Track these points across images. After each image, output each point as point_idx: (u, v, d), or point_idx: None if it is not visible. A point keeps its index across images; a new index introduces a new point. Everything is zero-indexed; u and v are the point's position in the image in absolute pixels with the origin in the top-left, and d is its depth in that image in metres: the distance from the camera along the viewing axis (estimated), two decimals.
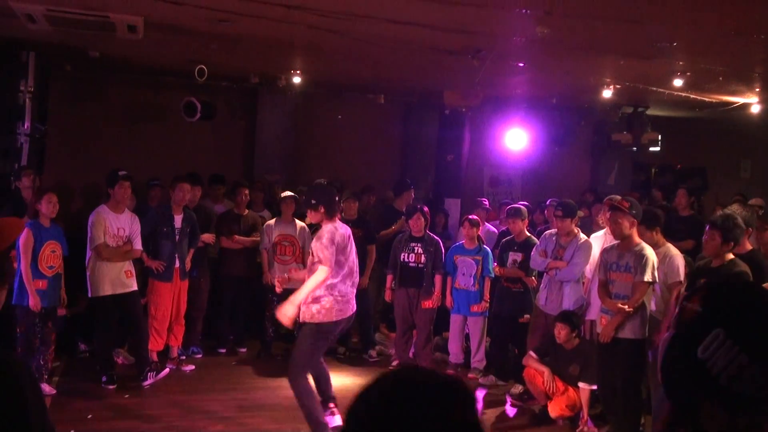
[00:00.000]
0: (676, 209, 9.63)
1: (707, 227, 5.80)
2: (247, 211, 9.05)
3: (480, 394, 7.80)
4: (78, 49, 8.57)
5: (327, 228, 5.97)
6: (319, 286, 5.88)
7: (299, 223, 8.74)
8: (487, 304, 8.36)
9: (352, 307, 6.18)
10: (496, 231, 9.73)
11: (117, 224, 7.38)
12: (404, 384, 1.37)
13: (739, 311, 1.52)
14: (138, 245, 7.52)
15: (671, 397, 1.61)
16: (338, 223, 6.10)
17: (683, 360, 1.54)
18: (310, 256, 6.14)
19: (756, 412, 1.48)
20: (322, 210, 6.01)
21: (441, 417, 1.31)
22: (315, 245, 5.99)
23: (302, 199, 6.57)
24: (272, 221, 8.80)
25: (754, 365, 1.45)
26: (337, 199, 6.27)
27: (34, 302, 6.73)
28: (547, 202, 9.10)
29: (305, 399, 5.96)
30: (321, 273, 5.85)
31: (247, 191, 9.06)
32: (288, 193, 8.87)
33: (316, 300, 5.93)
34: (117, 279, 7.34)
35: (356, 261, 6.27)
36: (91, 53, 8.70)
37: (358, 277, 6.36)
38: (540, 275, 7.84)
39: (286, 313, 5.90)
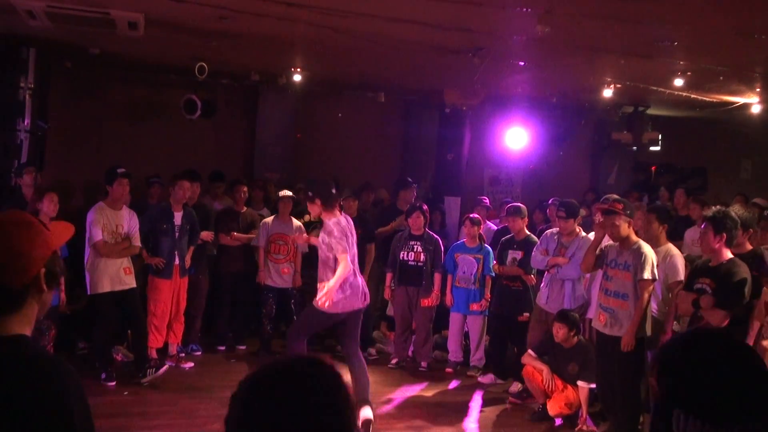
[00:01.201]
0: (675, 209, 9.63)
1: (702, 223, 5.79)
2: (245, 208, 9.06)
3: (478, 392, 7.82)
4: (78, 46, 8.57)
5: (332, 221, 6.12)
6: (346, 275, 6.08)
7: (296, 222, 8.75)
8: (488, 303, 8.36)
9: (361, 300, 6.35)
10: (494, 228, 9.74)
11: (115, 221, 7.37)
12: (272, 373, 1.54)
13: (689, 387, 1.54)
14: (137, 242, 7.52)
15: None
16: (340, 216, 6.23)
17: None
18: (322, 250, 6.24)
19: None
20: (319, 202, 6.14)
21: (302, 398, 1.46)
22: (327, 239, 6.12)
23: (302, 196, 6.65)
24: (269, 219, 8.81)
25: (721, 428, 1.48)
26: (334, 191, 6.35)
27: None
28: (549, 201, 9.09)
29: None
30: (344, 264, 6.05)
31: (245, 189, 9.07)
32: (286, 192, 8.87)
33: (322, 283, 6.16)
34: (116, 276, 7.34)
35: (356, 253, 6.46)
36: (91, 50, 8.71)
37: (358, 268, 6.53)
38: (540, 273, 7.85)
39: (316, 301, 6.20)
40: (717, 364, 1.56)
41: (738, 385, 1.52)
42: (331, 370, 1.53)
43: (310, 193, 6.21)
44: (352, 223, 6.45)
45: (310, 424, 1.43)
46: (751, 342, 5.29)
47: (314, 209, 6.25)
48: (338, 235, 6.08)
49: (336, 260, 6.13)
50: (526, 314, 7.90)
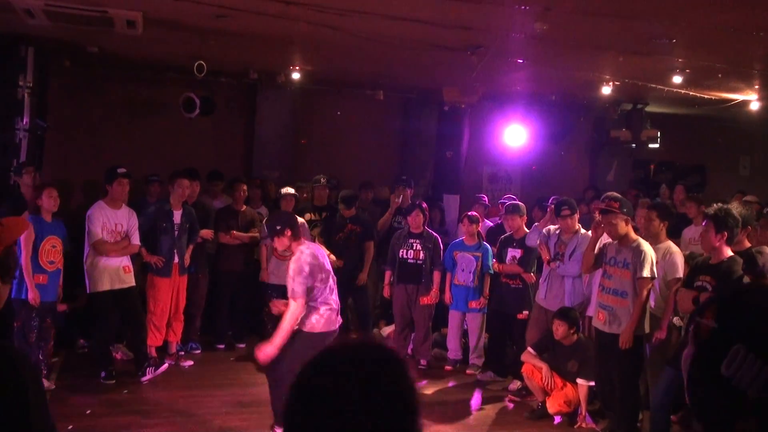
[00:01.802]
0: (674, 205, 9.63)
1: (703, 221, 5.80)
2: (244, 207, 9.06)
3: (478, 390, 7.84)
4: (77, 45, 8.57)
5: (305, 256, 5.81)
6: (295, 322, 5.76)
7: (299, 220, 8.73)
8: (486, 301, 8.36)
9: (339, 319, 6.10)
10: (493, 226, 9.74)
11: (114, 220, 7.38)
12: (336, 358, 1.45)
13: (755, 323, 1.49)
14: (136, 240, 7.52)
15: (701, 418, 1.59)
16: (304, 245, 5.97)
17: (708, 379, 1.51)
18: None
19: None
20: (289, 233, 5.89)
21: (371, 387, 1.38)
22: (294, 276, 5.78)
23: (267, 229, 6.43)
24: None
25: None
26: (297, 223, 6.17)
27: (33, 296, 6.74)
28: (549, 201, 9.08)
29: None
30: (294, 308, 5.73)
31: (245, 187, 9.07)
32: (288, 190, 8.89)
33: (314, 310, 5.86)
34: (115, 275, 7.35)
35: (331, 270, 6.12)
36: (89, 49, 8.70)
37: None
38: (539, 270, 7.85)
39: (267, 353, 5.75)
40: None
41: None
42: (397, 356, 1.48)
43: (278, 227, 5.90)
44: (318, 247, 6.24)
45: (379, 403, 1.38)
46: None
47: (282, 242, 5.95)
48: (293, 274, 5.75)
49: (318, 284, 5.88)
50: (526, 312, 7.90)
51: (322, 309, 5.87)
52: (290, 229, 5.92)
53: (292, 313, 5.71)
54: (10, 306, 6.74)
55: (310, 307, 5.85)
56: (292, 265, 5.80)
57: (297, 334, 5.83)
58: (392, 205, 9.51)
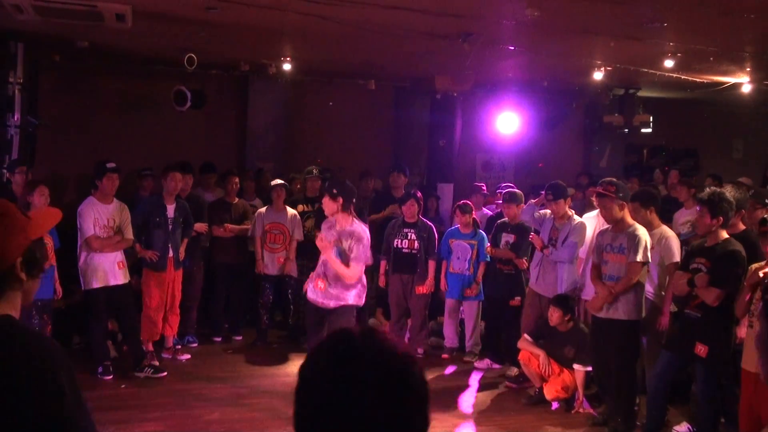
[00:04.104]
0: (669, 190, 9.66)
1: (697, 206, 5.82)
2: (237, 199, 9.05)
3: (475, 377, 7.85)
4: (67, 39, 8.52)
5: (361, 228, 6.25)
6: (356, 278, 6.23)
7: (290, 211, 8.76)
8: (478, 287, 8.37)
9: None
10: (489, 214, 9.75)
11: (106, 215, 7.34)
12: (354, 349, 1.42)
13: None
14: (129, 234, 7.49)
15: None
16: (356, 220, 6.34)
17: None
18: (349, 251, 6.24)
19: None
20: (341, 201, 6.20)
21: (384, 378, 1.38)
22: (352, 244, 6.14)
23: (327, 186, 6.62)
24: (263, 209, 8.82)
25: None
26: (354, 196, 6.46)
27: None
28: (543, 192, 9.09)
29: None
30: (356, 270, 6.19)
31: (237, 180, 9.06)
32: (278, 181, 8.87)
33: (350, 287, 6.24)
34: (110, 271, 7.32)
35: None
36: (79, 43, 8.65)
37: None
38: (531, 255, 7.86)
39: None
40: None
41: None
42: (406, 348, 1.48)
43: (334, 191, 6.22)
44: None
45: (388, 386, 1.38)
46: (739, 315, 5.33)
47: (331, 206, 6.24)
48: (367, 243, 6.20)
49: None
50: (518, 298, 7.94)
51: (359, 285, 6.29)
52: (343, 198, 6.21)
53: (354, 272, 6.14)
54: None
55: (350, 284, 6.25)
56: (356, 233, 6.17)
57: (338, 309, 6.24)
58: (389, 211, 9.37)
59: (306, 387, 1.43)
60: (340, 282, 6.21)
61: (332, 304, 6.24)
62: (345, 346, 1.43)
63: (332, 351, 1.44)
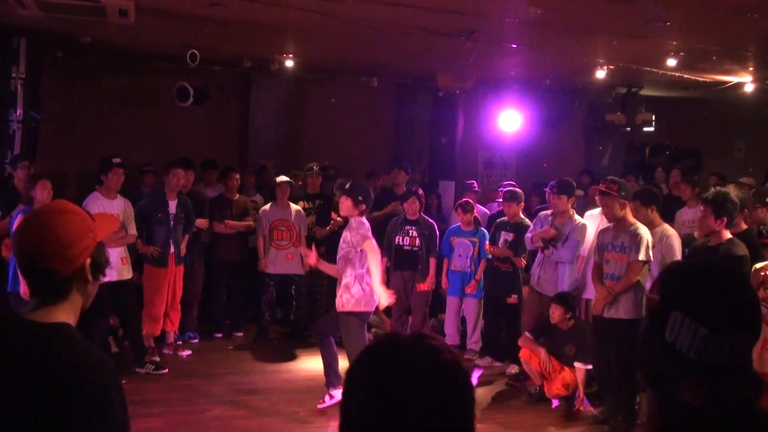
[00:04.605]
0: (671, 189, 9.66)
1: (701, 205, 5.81)
2: (237, 195, 9.05)
3: (476, 374, 7.86)
4: (69, 35, 8.52)
5: (361, 220, 6.30)
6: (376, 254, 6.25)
7: (294, 207, 8.75)
8: (477, 284, 8.37)
9: (375, 300, 6.41)
10: (487, 212, 9.75)
11: (111, 210, 7.32)
12: (406, 354, 1.44)
13: (690, 291, 1.64)
14: (133, 230, 7.49)
15: (652, 383, 1.73)
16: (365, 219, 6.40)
17: (655, 346, 1.66)
18: (342, 248, 6.32)
19: (733, 379, 1.59)
20: (363, 208, 6.33)
21: (436, 394, 1.40)
22: (353, 237, 6.22)
23: (347, 189, 6.59)
24: (267, 206, 8.80)
25: (715, 336, 1.57)
26: (371, 200, 6.58)
27: (25, 290, 6.70)
28: (548, 186, 9.09)
29: None
30: (375, 255, 6.20)
31: (237, 176, 9.05)
32: (283, 177, 8.86)
33: (346, 289, 6.24)
34: (114, 266, 7.32)
35: None
36: (82, 39, 8.65)
37: None
38: (531, 255, 7.86)
39: (381, 297, 6.31)
40: (717, 276, 1.68)
41: (733, 296, 1.63)
42: (454, 353, 1.51)
43: (360, 197, 6.30)
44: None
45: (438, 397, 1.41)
46: None
47: (348, 206, 6.31)
48: (365, 232, 6.22)
49: (361, 256, 6.26)
50: (515, 296, 7.95)
51: (354, 289, 6.24)
52: (365, 206, 6.36)
53: (374, 260, 6.18)
54: (6, 299, 6.74)
55: (345, 285, 6.26)
56: (360, 226, 6.24)
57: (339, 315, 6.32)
58: (391, 208, 9.35)
59: (347, 384, 1.46)
60: (340, 285, 6.31)
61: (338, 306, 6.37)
62: (388, 341, 1.48)
63: (372, 348, 1.49)
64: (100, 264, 2.09)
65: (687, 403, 1.61)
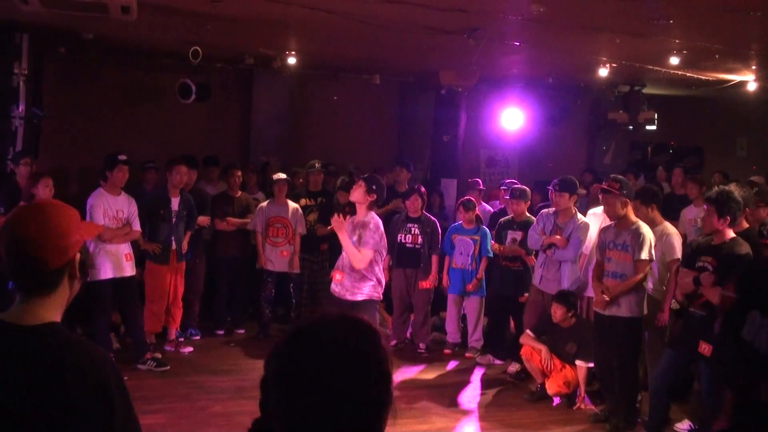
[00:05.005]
0: (673, 188, 9.65)
1: (704, 204, 5.80)
2: (240, 192, 9.05)
3: (477, 373, 7.86)
4: (72, 31, 8.51)
5: (378, 223, 6.26)
6: (359, 262, 6.14)
7: (292, 205, 8.76)
8: (479, 282, 8.37)
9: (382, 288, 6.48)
10: (491, 210, 9.74)
11: (115, 206, 7.36)
12: (316, 330, 1.47)
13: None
14: (137, 226, 7.50)
15: (730, 382, 1.70)
16: (371, 212, 6.34)
17: (733, 345, 1.65)
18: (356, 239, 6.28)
19: None
20: (374, 198, 6.26)
21: (347, 378, 1.40)
22: (368, 235, 6.16)
23: (366, 176, 6.59)
24: (265, 203, 8.82)
25: None
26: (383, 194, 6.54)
27: None
28: (551, 184, 9.08)
29: None
30: (367, 255, 6.13)
31: (239, 173, 9.06)
32: (281, 175, 8.87)
33: (364, 279, 6.21)
34: (118, 263, 7.33)
35: None
36: (84, 35, 8.64)
37: None
38: (537, 253, 7.85)
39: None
40: None
41: None
42: (368, 325, 1.51)
43: (373, 186, 6.24)
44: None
45: (354, 371, 1.41)
46: None
47: (360, 194, 6.25)
48: (374, 228, 6.19)
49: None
50: (527, 295, 7.91)
51: (372, 278, 6.23)
52: (377, 195, 6.28)
53: (364, 256, 6.10)
54: (9, 296, 6.72)
55: (362, 276, 6.23)
56: (377, 231, 6.20)
57: (359, 303, 6.22)
58: (393, 206, 9.35)
59: (268, 358, 1.50)
60: (355, 273, 6.21)
61: (348, 296, 6.24)
62: (317, 321, 1.50)
63: (300, 326, 1.50)
64: (84, 263, 2.11)
65: (765, 403, 1.58)
